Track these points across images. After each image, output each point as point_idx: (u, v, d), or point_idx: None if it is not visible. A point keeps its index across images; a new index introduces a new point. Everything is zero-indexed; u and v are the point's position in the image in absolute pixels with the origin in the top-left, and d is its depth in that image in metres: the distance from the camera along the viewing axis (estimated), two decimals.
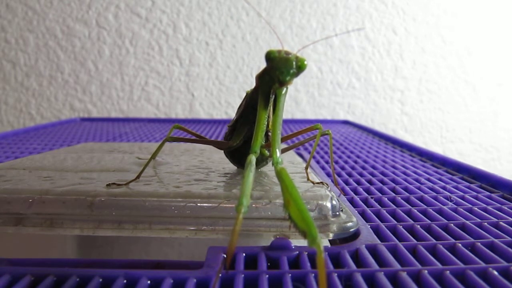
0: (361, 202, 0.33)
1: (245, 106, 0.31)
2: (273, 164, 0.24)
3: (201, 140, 0.34)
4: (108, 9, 1.08)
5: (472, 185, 0.38)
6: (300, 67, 0.24)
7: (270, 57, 0.24)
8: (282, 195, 0.20)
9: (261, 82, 0.27)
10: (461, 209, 0.31)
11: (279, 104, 0.26)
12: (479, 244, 0.24)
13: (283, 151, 0.34)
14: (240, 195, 0.20)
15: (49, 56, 1.09)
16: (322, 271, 0.17)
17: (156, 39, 1.09)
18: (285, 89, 0.26)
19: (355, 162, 0.49)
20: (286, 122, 0.95)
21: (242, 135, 0.32)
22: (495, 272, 0.20)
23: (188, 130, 0.35)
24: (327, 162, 0.48)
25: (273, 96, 0.26)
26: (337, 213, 0.26)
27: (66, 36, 1.09)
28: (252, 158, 0.23)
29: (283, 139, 0.32)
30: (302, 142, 0.34)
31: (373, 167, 0.46)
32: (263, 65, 1.09)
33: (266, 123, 0.27)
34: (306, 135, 0.66)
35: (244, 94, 0.33)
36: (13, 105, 1.10)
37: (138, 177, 0.29)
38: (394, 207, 0.31)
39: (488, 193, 0.36)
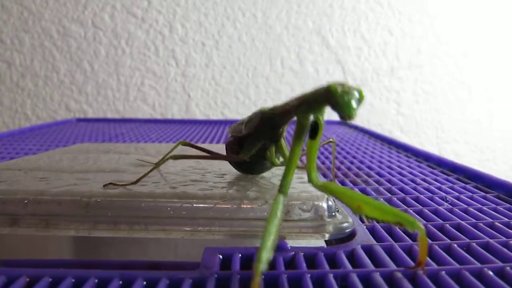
0: None
1: (260, 123, 0.29)
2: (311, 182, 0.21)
3: (208, 156, 0.32)
4: (104, 10, 1.08)
5: (467, 186, 0.38)
6: (361, 99, 0.22)
7: (333, 93, 0.21)
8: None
9: (302, 111, 0.23)
10: (456, 210, 0.31)
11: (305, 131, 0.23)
12: (474, 244, 0.24)
13: None
14: (260, 247, 0.16)
15: (45, 57, 1.09)
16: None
17: (152, 40, 1.09)
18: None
19: (351, 162, 0.49)
20: None
21: (254, 149, 0.30)
22: (491, 272, 0.20)
23: (196, 146, 0.33)
24: (323, 163, 0.48)
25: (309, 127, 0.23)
26: (333, 213, 0.26)
27: (62, 36, 1.09)
28: (281, 198, 0.20)
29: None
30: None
31: (369, 167, 0.46)
32: (259, 65, 1.10)
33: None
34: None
35: (255, 109, 0.30)
36: (9, 106, 1.10)
37: (137, 181, 0.29)
38: None
39: (483, 193, 0.36)
